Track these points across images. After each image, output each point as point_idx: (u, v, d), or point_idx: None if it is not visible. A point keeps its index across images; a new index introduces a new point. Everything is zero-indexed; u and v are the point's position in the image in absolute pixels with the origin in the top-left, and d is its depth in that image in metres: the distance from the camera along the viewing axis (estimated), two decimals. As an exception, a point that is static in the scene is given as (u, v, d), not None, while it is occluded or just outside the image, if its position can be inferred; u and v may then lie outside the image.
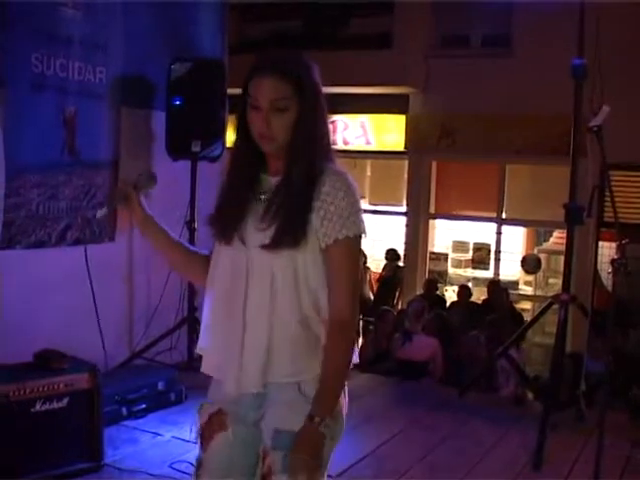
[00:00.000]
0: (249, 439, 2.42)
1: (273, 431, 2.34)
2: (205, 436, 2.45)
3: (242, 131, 2.39)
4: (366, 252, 14.15)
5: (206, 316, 2.47)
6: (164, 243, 2.56)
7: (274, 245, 2.30)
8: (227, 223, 2.40)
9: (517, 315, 10.33)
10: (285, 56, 2.40)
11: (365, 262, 13.82)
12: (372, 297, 13.56)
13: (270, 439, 2.34)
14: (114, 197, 2.49)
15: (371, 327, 11.07)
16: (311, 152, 2.41)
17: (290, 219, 2.31)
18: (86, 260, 5.37)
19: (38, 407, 4.14)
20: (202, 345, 2.49)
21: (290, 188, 2.34)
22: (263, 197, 2.39)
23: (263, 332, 2.33)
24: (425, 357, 7.60)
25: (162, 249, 2.56)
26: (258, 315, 2.34)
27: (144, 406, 5.32)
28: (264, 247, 2.31)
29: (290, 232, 2.30)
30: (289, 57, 2.41)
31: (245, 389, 2.36)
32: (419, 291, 11.92)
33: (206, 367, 2.47)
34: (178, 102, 5.92)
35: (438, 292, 12.20)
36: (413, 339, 7.75)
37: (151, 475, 3.93)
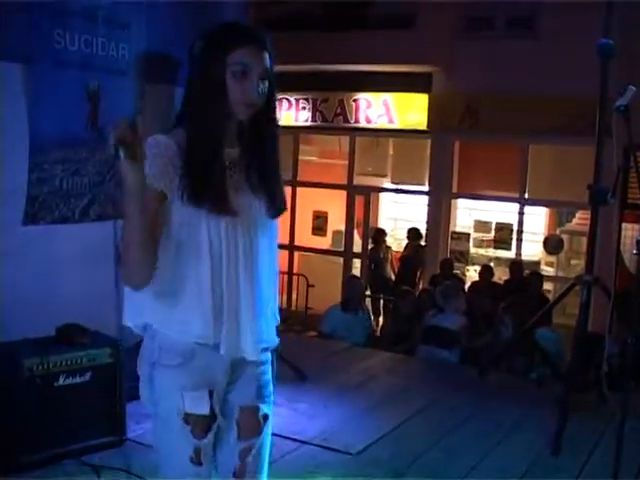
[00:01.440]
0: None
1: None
2: (205, 427, 2.46)
3: (217, 99, 2.37)
4: (388, 231, 14.22)
5: (203, 287, 2.39)
6: (144, 216, 2.27)
7: (278, 212, 2.54)
8: (219, 194, 2.37)
9: (544, 300, 10.20)
10: (263, 30, 2.49)
11: (385, 241, 13.86)
12: (393, 276, 13.59)
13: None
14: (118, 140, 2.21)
15: (391, 306, 11.12)
16: (277, 121, 2.57)
17: (281, 186, 2.54)
18: (115, 235, 5.38)
19: (61, 381, 4.19)
20: (204, 312, 2.40)
21: (271, 156, 2.50)
22: (232, 168, 2.45)
23: (271, 297, 2.61)
24: (455, 327, 7.60)
25: (141, 220, 2.25)
26: (266, 280, 2.55)
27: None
28: (270, 215, 2.52)
29: (284, 199, 2.56)
30: (265, 31, 2.49)
31: (254, 355, 2.49)
32: (439, 270, 11.90)
33: (203, 335, 2.40)
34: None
35: (458, 272, 12.19)
36: (445, 312, 7.80)
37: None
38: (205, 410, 2.44)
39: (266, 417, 2.58)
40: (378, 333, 11.96)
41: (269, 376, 2.63)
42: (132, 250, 2.28)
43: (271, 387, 2.63)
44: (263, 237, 2.53)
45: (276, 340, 2.63)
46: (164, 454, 2.54)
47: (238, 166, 2.46)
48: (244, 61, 2.36)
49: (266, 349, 2.61)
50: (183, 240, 2.38)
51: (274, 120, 2.54)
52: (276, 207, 2.53)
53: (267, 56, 2.42)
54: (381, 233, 13.99)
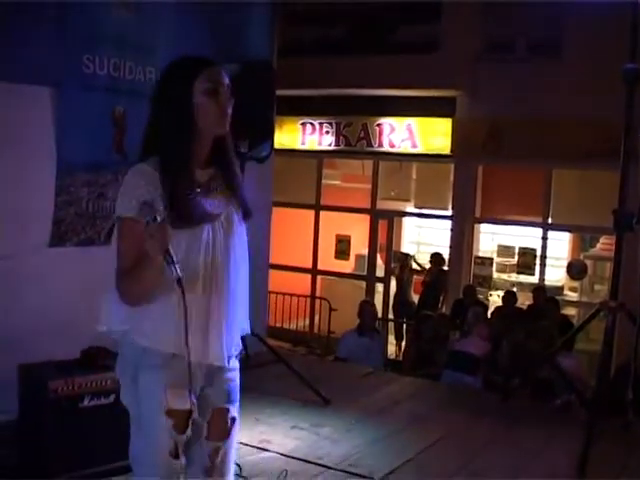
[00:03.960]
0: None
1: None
2: (186, 421, 2.66)
3: (187, 124, 2.59)
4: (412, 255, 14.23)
5: (173, 301, 2.54)
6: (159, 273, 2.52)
7: (249, 216, 2.78)
8: (196, 211, 2.59)
9: (567, 324, 10.08)
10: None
11: (410, 266, 13.87)
12: (416, 301, 13.57)
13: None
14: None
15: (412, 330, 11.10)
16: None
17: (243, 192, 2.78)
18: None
19: (86, 403, 4.20)
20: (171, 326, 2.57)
21: (236, 169, 2.77)
22: (208, 185, 2.69)
23: (240, 307, 2.78)
24: (479, 352, 7.57)
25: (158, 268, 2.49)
26: (237, 289, 2.74)
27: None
28: (244, 218, 2.76)
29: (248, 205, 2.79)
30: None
31: (220, 361, 2.71)
32: (462, 296, 11.86)
33: (173, 346, 2.58)
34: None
35: (481, 297, 12.14)
36: (469, 336, 7.78)
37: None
38: (186, 405, 2.61)
39: (234, 420, 2.80)
40: (401, 357, 11.96)
41: (237, 382, 2.84)
42: (146, 288, 2.55)
43: (238, 393, 2.84)
44: (239, 245, 2.74)
45: (241, 347, 2.85)
46: (145, 450, 2.68)
47: (213, 183, 2.70)
48: (212, 79, 2.62)
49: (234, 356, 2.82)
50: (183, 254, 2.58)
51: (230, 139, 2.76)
52: (248, 211, 2.78)
53: (225, 74, 2.67)
54: (406, 258, 14.02)
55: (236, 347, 2.81)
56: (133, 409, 2.70)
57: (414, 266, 14.11)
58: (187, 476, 2.72)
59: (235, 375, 2.82)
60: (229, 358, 2.75)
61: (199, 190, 2.64)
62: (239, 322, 2.81)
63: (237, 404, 2.82)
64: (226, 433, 2.79)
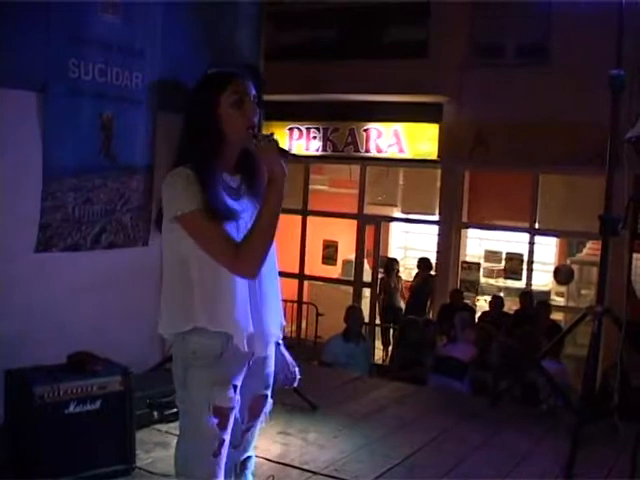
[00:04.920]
0: None
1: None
2: (228, 418, 2.83)
3: (215, 135, 2.77)
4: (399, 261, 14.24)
5: (235, 291, 2.77)
6: None
7: None
8: (229, 210, 2.76)
9: (555, 329, 10.08)
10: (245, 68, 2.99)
11: (397, 271, 13.88)
12: (403, 306, 13.58)
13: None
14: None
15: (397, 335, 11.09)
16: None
17: None
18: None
19: (72, 409, 4.18)
20: (237, 318, 2.77)
21: (261, 174, 2.87)
22: (237, 189, 2.87)
23: (278, 299, 2.99)
24: (466, 358, 7.58)
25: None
26: (274, 284, 2.95)
27: (176, 410, 5.32)
28: None
29: None
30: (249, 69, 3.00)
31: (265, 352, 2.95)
32: (449, 300, 11.87)
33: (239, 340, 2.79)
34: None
35: (468, 302, 12.16)
36: (457, 342, 7.78)
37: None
38: (231, 404, 2.82)
39: (266, 399, 3.05)
40: (387, 362, 11.96)
41: (272, 367, 3.05)
42: (268, 245, 2.74)
43: (272, 375, 3.06)
44: None
45: (280, 335, 3.04)
46: (193, 453, 2.84)
47: (242, 188, 2.88)
48: (238, 90, 2.77)
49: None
50: None
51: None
52: None
53: (253, 86, 2.82)
54: (394, 262, 14.02)
55: (277, 335, 3.01)
56: (182, 409, 2.89)
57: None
58: None
59: (271, 361, 3.04)
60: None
61: (230, 193, 2.81)
62: (279, 314, 3.01)
63: (270, 386, 3.06)
64: (259, 413, 3.05)
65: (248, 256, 2.70)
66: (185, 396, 2.84)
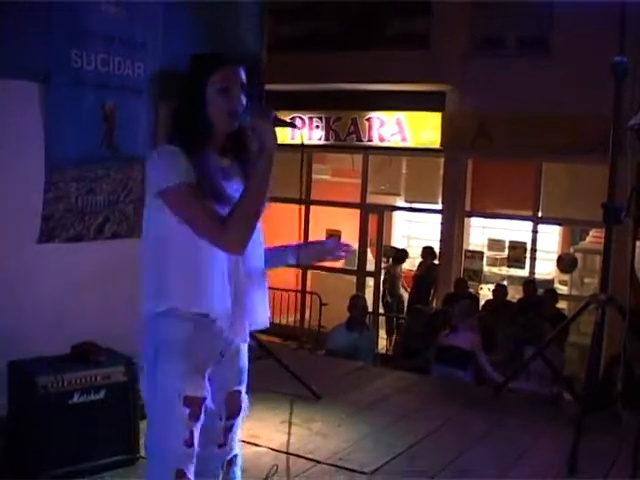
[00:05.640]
0: None
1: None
2: (200, 408, 2.78)
3: (201, 117, 2.76)
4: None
5: (214, 271, 2.73)
6: None
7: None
8: (219, 189, 2.74)
9: (559, 318, 10.08)
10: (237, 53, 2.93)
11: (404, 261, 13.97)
12: (404, 295, 13.61)
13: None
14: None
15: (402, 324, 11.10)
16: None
17: None
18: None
19: (76, 399, 4.20)
20: (216, 299, 2.73)
21: (249, 157, 2.82)
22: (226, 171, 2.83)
23: (264, 286, 2.95)
24: (469, 346, 7.57)
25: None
26: (259, 269, 2.90)
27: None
28: None
29: None
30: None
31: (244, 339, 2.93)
32: (453, 289, 11.86)
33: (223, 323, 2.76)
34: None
35: (472, 291, 12.15)
36: (458, 330, 7.77)
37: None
38: (202, 393, 2.78)
39: (244, 400, 3.00)
40: (391, 351, 11.96)
41: (245, 362, 3.00)
42: (256, 218, 2.68)
43: (246, 372, 3.01)
44: (256, 230, 2.79)
45: (266, 323, 2.94)
46: (160, 438, 2.78)
47: (233, 169, 2.85)
48: (226, 78, 2.76)
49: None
50: None
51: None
52: None
53: (242, 72, 2.82)
54: (404, 253, 14.07)
55: (261, 324, 2.94)
56: (151, 396, 2.81)
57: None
58: (203, 448, 2.86)
59: (246, 354, 3.00)
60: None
61: (221, 172, 2.79)
62: (259, 303, 2.93)
63: (245, 382, 3.02)
64: (237, 411, 2.98)
65: (234, 229, 2.64)
66: (154, 384, 2.77)
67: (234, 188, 2.77)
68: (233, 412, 2.97)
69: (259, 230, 2.82)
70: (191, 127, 2.74)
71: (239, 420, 3.01)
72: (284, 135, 13.36)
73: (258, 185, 2.66)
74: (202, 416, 2.78)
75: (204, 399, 2.78)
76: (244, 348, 2.98)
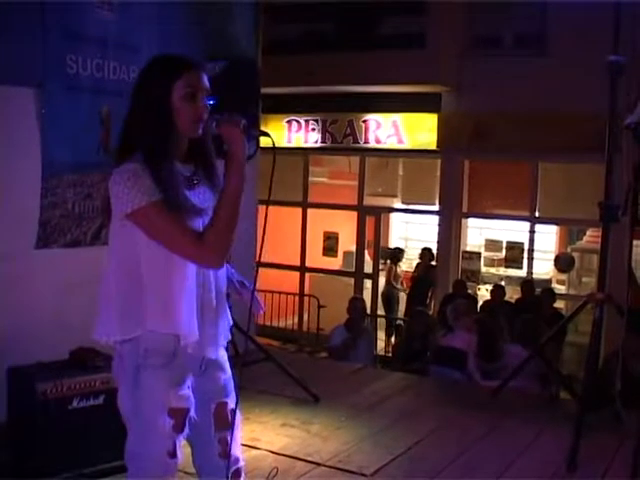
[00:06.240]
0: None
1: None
2: (184, 419, 2.74)
3: (166, 123, 2.66)
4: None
5: (186, 292, 2.68)
6: None
7: None
8: (185, 202, 2.66)
9: (557, 317, 10.08)
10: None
11: (400, 259, 14.00)
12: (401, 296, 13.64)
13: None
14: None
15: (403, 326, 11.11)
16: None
17: None
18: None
19: (75, 404, 4.20)
20: (188, 320, 2.69)
21: (212, 163, 2.81)
22: (192, 178, 2.76)
23: (225, 299, 2.87)
24: (465, 346, 7.57)
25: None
26: (224, 281, 2.87)
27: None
28: None
29: None
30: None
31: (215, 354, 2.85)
32: (452, 290, 11.87)
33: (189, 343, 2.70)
34: (212, 101, 5.94)
35: (470, 291, 12.16)
36: (455, 331, 7.77)
37: (186, 473, 3.94)
38: (187, 404, 2.74)
39: (233, 411, 2.89)
40: (390, 353, 11.96)
41: (230, 373, 2.94)
42: (233, 229, 2.63)
43: (232, 383, 2.94)
44: None
45: (229, 336, 2.92)
46: (143, 450, 2.73)
47: (195, 177, 2.76)
48: (191, 84, 2.68)
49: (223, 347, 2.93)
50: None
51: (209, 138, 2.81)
52: None
53: (206, 77, 2.74)
54: (400, 253, 14.10)
55: (226, 338, 2.90)
56: (133, 410, 2.73)
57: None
58: (205, 462, 2.90)
59: (227, 366, 2.93)
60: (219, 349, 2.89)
61: (185, 182, 2.71)
62: (227, 316, 2.90)
63: (233, 394, 2.93)
64: (228, 424, 2.88)
65: (213, 244, 2.59)
66: (136, 396, 2.69)
67: (200, 196, 2.73)
68: (224, 424, 2.88)
69: None
70: (157, 135, 2.64)
71: (236, 433, 2.92)
72: (280, 138, 13.32)
73: (231, 196, 2.61)
74: (186, 428, 2.74)
75: (188, 410, 2.74)
76: (224, 360, 2.93)
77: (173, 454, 2.72)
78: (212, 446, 2.87)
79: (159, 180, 2.58)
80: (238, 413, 2.93)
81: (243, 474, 2.99)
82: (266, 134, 2.81)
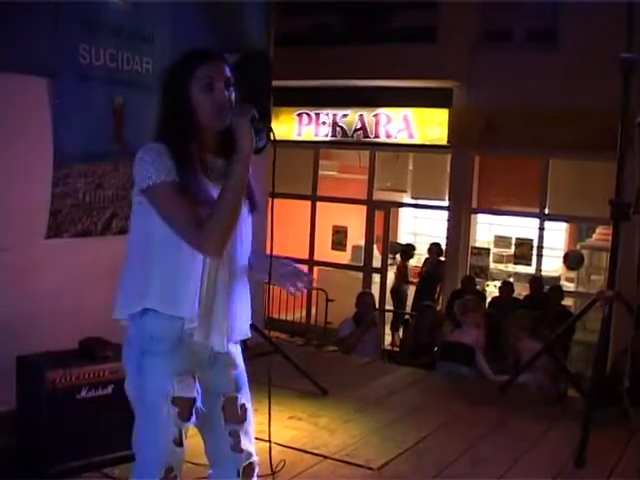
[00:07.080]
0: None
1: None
2: (190, 408, 2.74)
3: (187, 118, 2.68)
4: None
5: (194, 276, 2.68)
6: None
7: (256, 208, 2.89)
8: (200, 192, 2.66)
9: (565, 315, 10.07)
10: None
11: (411, 255, 14.02)
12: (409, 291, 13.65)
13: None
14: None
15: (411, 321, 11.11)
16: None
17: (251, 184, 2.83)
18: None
19: (84, 394, 4.20)
20: (192, 304, 2.67)
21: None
22: (214, 172, 2.75)
23: (245, 295, 2.89)
24: (473, 342, 7.56)
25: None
26: (242, 279, 2.85)
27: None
28: (251, 211, 2.87)
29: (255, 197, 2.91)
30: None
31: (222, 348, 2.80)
32: (460, 286, 11.86)
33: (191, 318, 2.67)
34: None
35: (478, 287, 12.15)
36: (463, 327, 7.77)
37: (194, 464, 3.96)
38: (192, 394, 2.72)
39: (243, 406, 2.91)
40: (397, 348, 11.96)
41: (242, 367, 2.95)
42: (234, 220, 2.64)
43: (245, 377, 2.95)
44: (245, 235, 2.85)
45: (248, 333, 2.92)
46: (149, 438, 2.74)
47: (221, 172, 2.72)
48: (209, 75, 2.68)
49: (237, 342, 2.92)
50: None
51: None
52: (254, 203, 2.88)
53: (227, 68, 2.73)
54: (411, 248, 14.11)
55: (240, 334, 2.89)
56: (137, 396, 2.74)
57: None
58: (216, 454, 2.91)
59: (240, 361, 2.94)
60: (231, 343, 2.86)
61: (210, 174, 2.73)
62: (245, 312, 2.89)
63: (245, 389, 2.95)
64: (240, 418, 2.90)
65: (211, 233, 2.59)
66: (141, 383, 2.70)
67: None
68: (234, 418, 2.88)
69: (248, 228, 2.85)
70: (179, 127, 2.67)
71: (248, 427, 2.93)
72: (291, 131, 13.34)
73: (232, 189, 2.61)
74: (193, 417, 2.74)
75: (194, 400, 2.73)
76: (237, 354, 2.93)
77: (180, 443, 2.72)
78: (224, 439, 2.87)
79: (178, 162, 2.61)
80: (250, 408, 2.94)
81: (257, 468, 2.97)
82: (269, 128, 2.77)
